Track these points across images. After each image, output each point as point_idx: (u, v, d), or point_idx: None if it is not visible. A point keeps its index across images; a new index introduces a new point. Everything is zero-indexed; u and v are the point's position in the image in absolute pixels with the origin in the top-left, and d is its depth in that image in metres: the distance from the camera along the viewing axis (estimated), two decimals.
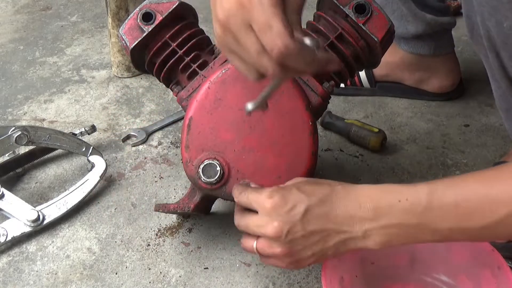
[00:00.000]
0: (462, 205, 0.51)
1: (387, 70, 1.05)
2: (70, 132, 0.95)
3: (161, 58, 0.75)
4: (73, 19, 1.54)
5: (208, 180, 0.68)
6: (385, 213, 0.54)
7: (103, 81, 1.22)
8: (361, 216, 0.55)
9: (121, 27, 0.74)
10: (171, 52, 0.74)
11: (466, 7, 0.64)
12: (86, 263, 0.77)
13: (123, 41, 0.74)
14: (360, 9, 0.71)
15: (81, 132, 0.96)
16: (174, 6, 0.73)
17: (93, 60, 1.31)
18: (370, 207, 0.55)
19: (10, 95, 1.18)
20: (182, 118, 1.06)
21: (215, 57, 0.74)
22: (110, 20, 1.18)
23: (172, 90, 0.77)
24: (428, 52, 1.02)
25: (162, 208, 0.74)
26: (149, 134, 1.03)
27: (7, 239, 0.79)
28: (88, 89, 1.19)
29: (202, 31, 0.78)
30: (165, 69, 0.75)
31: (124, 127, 1.06)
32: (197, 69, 0.74)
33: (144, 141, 1.01)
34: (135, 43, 0.73)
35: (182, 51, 0.74)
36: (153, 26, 0.73)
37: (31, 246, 0.80)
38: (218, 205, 0.84)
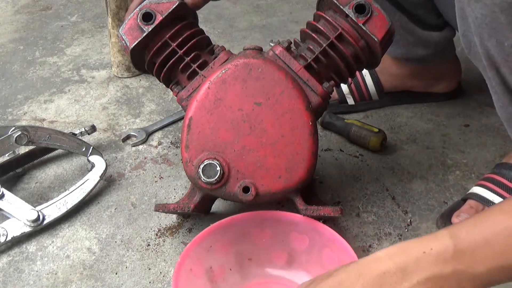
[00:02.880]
0: (494, 241, 0.46)
1: (397, 82, 1.05)
2: (70, 132, 0.95)
3: (161, 58, 0.75)
4: (73, 19, 1.54)
5: (208, 180, 0.68)
6: (414, 269, 0.48)
7: (103, 81, 1.22)
8: (390, 282, 0.48)
9: (121, 27, 0.74)
10: (171, 52, 0.74)
11: (463, 27, 0.65)
12: (86, 263, 0.77)
13: (123, 41, 0.74)
14: (360, 9, 0.70)
15: (81, 132, 0.96)
16: (174, 6, 0.73)
17: (93, 60, 1.31)
18: (396, 270, 0.48)
19: (10, 95, 1.18)
20: (182, 118, 1.06)
21: (215, 57, 0.74)
22: (110, 20, 1.18)
23: (172, 90, 0.77)
24: (437, 62, 1.02)
25: (162, 208, 0.74)
26: (149, 134, 1.03)
27: (7, 239, 0.79)
28: (88, 89, 1.19)
29: (202, 31, 0.78)
30: (165, 69, 0.75)
31: (124, 127, 1.06)
32: (197, 69, 0.74)
33: (144, 141, 1.01)
34: (135, 43, 0.73)
35: (182, 51, 0.74)
36: (153, 26, 0.72)
37: (31, 246, 0.80)
38: (218, 205, 0.84)
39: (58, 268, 0.77)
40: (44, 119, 1.09)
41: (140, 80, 1.21)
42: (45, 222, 0.81)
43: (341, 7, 0.71)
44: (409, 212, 0.82)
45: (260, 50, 0.74)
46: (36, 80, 1.24)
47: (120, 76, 1.22)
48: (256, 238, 0.72)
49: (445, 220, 0.77)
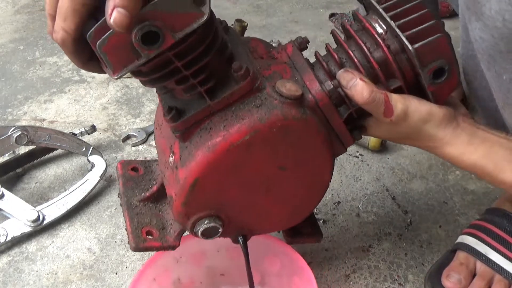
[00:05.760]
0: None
1: None
2: (70, 132, 0.95)
3: (157, 75, 0.50)
4: None
5: (206, 238, 0.57)
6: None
7: (103, 81, 1.22)
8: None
9: (100, 41, 0.43)
10: (173, 70, 0.49)
11: (464, 49, 0.60)
12: (86, 263, 0.77)
13: (103, 62, 0.45)
14: (438, 74, 0.54)
15: (81, 132, 0.96)
16: (198, 24, 0.45)
17: None
18: None
19: (10, 95, 1.18)
20: None
21: (235, 82, 0.52)
22: None
23: (159, 98, 0.57)
24: None
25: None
26: (149, 134, 1.03)
27: (7, 239, 0.79)
28: (88, 89, 1.19)
29: (216, 32, 0.52)
30: (158, 83, 0.53)
31: (124, 127, 1.06)
32: (204, 94, 0.51)
33: (144, 141, 1.01)
34: (124, 72, 0.46)
35: (189, 72, 0.50)
36: (157, 52, 0.44)
37: (31, 246, 0.80)
38: None
39: (58, 268, 0.76)
40: (44, 119, 1.09)
41: None
42: (45, 222, 0.81)
43: (418, 68, 0.53)
44: (409, 212, 0.82)
45: (302, 96, 0.53)
46: (36, 80, 1.24)
47: None
48: (231, 254, 0.68)
49: (434, 281, 0.69)
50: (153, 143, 1.01)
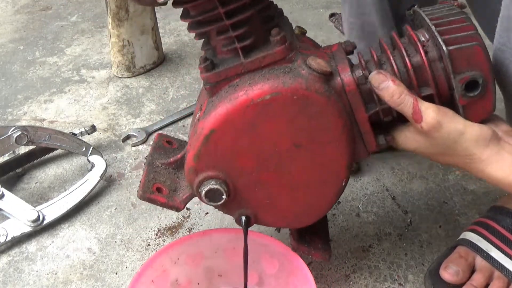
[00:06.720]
0: None
1: None
2: (70, 132, 0.95)
3: (199, 18, 0.55)
4: (73, 19, 1.54)
5: (208, 201, 0.58)
6: None
7: (103, 81, 1.22)
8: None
9: None
10: (215, 16, 0.54)
11: (503, 39, 0.58)
12: (86, 263, 0.77)
13: None
14: (471, 86, 0.53)
15: (81, 132, 0.96)
16: None
17: (93, 60, 1.31)
18: None
19: (10, 95, 1.18)
20: (182, 118, 1.06)
21: (271, 48, 0.55)
22: (110, 20, 1.18)
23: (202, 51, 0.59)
24: None
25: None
26: (149, 134, 1.03)
27: (7, 239, 0.79)
28: (88, 89, 1.19)
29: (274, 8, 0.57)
30: (200, 28, 0.56)
31: (124, 127, 1.06)
32: (240, 51, 0.54)
33: (144, 141, 1.01)
34: None
35: (230, 21, 0.53)
36: None
37: (31, 246, 0.80)
38: None
39: (58, 268, 0.77)
40: (44, 119, 1.09)
41: (140, 80, 1.21)
42: (45, 222, 0.81)
43: (451, 76, 0.53)
44: (409, 212, 0.82)
45: (330, 74, 0.55)
46: (36, 80, 1.24)
47: (120, 76, 1.22)
48: (228, 255, 0.68)
49: (434, 278, 0.68)
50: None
